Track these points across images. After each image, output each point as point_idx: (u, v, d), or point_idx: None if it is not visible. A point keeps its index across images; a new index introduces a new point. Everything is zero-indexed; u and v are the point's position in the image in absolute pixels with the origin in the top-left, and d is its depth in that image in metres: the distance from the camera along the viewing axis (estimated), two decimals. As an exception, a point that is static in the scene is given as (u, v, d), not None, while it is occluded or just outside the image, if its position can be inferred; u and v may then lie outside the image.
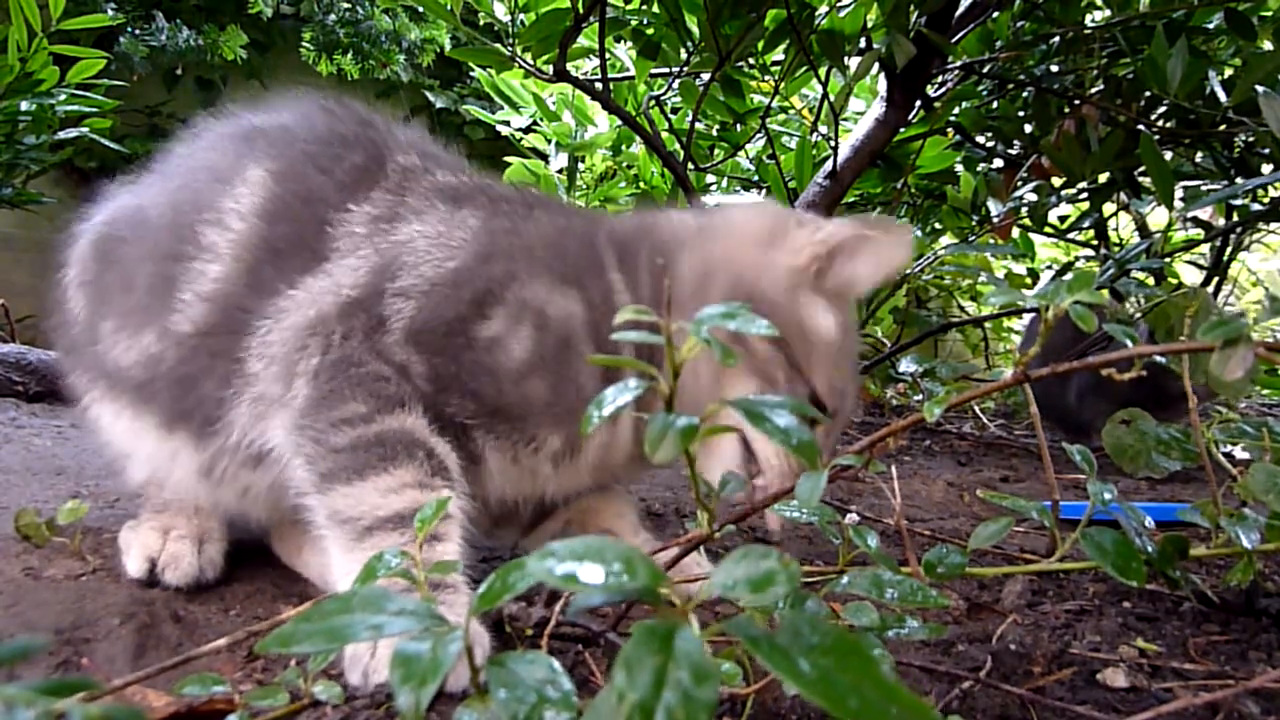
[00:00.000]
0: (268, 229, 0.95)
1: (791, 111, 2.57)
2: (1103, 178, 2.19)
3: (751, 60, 2.13)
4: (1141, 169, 2.12)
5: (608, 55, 2.04)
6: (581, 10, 1.80)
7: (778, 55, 2.13)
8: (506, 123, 2.75)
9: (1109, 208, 2.51)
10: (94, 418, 1.04)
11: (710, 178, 2.61)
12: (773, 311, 0.81)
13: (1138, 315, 2.04)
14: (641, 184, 2.71)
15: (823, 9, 1.97)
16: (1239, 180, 2.02)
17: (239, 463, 0.95)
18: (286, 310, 0.91)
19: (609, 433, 0.95)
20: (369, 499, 0.82)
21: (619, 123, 2.46)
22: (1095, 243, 2.61)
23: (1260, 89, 1.71)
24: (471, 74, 3.87)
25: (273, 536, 1.10)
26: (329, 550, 0.85)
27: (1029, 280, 2.91)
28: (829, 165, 2.10)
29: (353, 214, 0.95)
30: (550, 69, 1.94)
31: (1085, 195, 2.35)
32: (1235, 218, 2.34)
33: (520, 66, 2.04)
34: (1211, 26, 2.00)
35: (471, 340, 0.90)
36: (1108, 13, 2.11)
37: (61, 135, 2.68)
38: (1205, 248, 2.70)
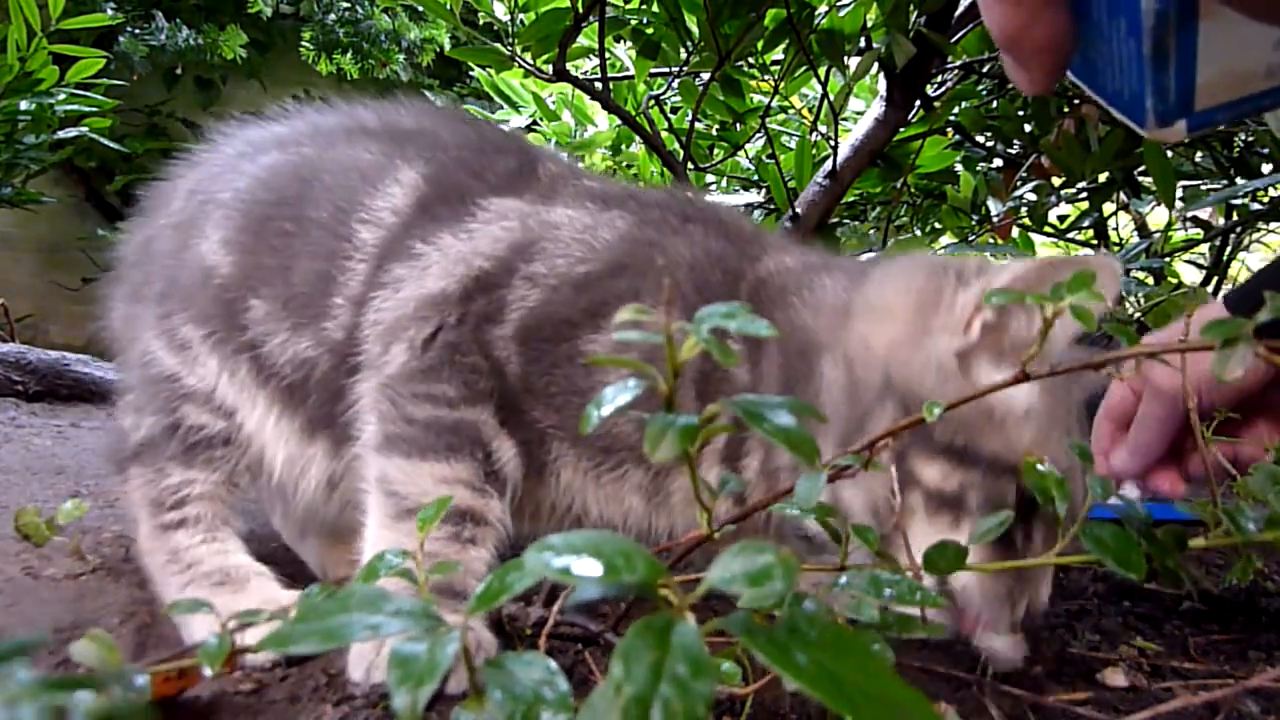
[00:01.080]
0: (428, 222, 0.93)
1: (791, 111, 2.57)
2: (1102, 177, 2.19)
3: (751, 60, 2.13)
4: (1141, 169, 2.12)
5: (608, 55, 2.04)
6: (581, 10, 1.80)
7: (777, 55, 2.13)
8: (506, 122, 2.75)
9: (1109, 207, 2.51)
10: (203, 379, 0.97)
11: (710, 177, 2.61)
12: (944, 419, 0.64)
13: (1137, 315, 2.04)
14: (641, 184, 2.71)
15: (823, 9, 1.97)
16: (1239, 180, 2.02)
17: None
18: (404, 280, 0.89)
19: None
20: (421, 482, 0.82)
21: (619, 122, 2.46)
22: (1095, 242, 2.61)
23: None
24: (471, 74, 3.87)
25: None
26: (367, 513, 0.84)
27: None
28: (829, 165, 2.10)
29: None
30: (550, 69, 1.94)
31: (1085, 195, 2.35)
32: (1235, 217, 2.34)
33: (520, 66, 2.04)
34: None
35: (575, 353, 0.85)
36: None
37: (61, 135, 2.67)
38: (1205, 247, 2.70)
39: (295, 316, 0.93)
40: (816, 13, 1.94)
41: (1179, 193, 2.02)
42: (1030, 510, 0.74)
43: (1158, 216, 2.50)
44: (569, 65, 1.95)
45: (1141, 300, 2.09)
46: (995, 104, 2.36)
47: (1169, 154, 2.02)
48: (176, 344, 0.97)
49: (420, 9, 3.33)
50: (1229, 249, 2.59)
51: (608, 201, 0.95)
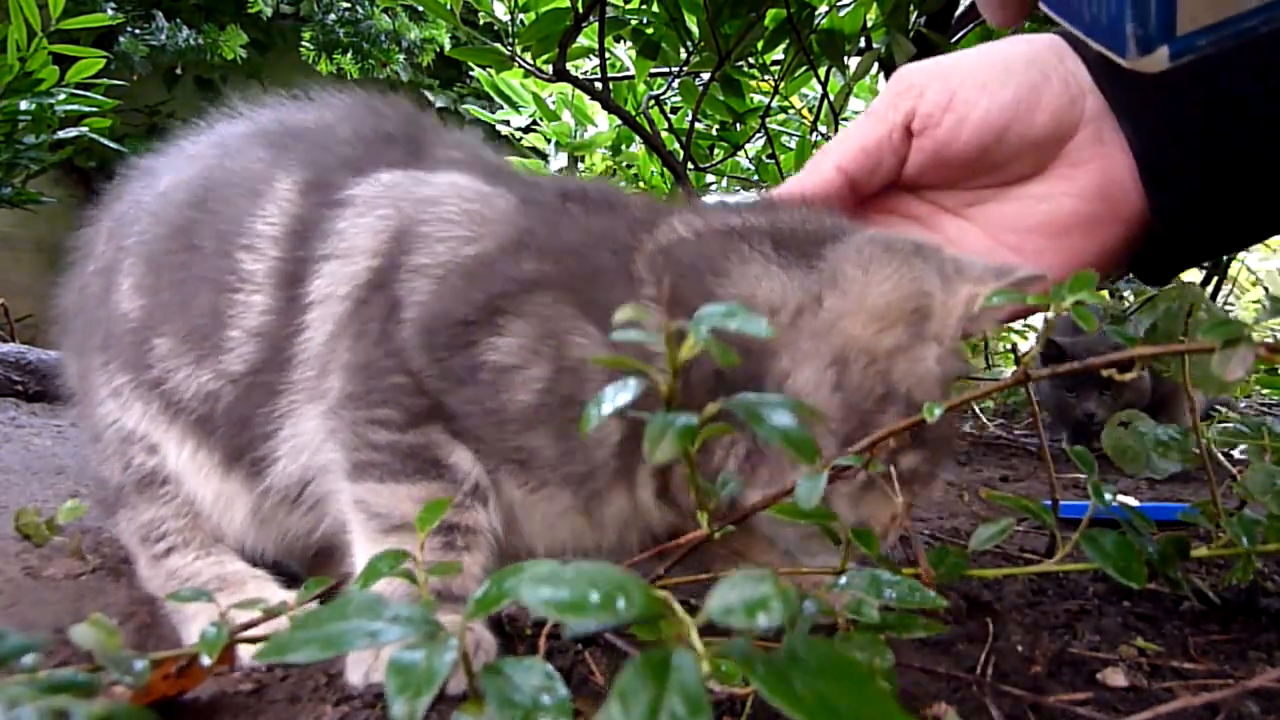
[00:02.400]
0: (297, 246, 0.87)
1: (791, 111, 2.57)
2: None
3: (751, 60, 2.13)
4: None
5: (608, 55, 2.04)
6: (581, 10, 1.80)
7: (777, 55, 2.13)
8: (506, 122, 2.75)
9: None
10: (125, 424, 0.96)
11: (710, 177, 2.61)
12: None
13: (1130, 313, 2.04)
14: (641, 184, 2.71)
15: (823, 9, 1.97)
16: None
17: (281, 502, 0.90)
18: (314, 303, 0.85)
19: (629, 498, 0.79)
20: (400, 505, 0.78)
21: (619, 122, 2.46)
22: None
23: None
24: (471, 74, 3.87)
25: None
26: (352, 534, 0.82)
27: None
28: (829, 165, 2.09)
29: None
30: (550, 69, 1.94)
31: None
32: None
33: (520, 66, 2.04)
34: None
35: (476, 366, 0.76)
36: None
37: (61, 135, 2.67)
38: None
39: (196, 349, 0.90)
40: (816, 13, 1.94)
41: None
42: (915, 438, 0.75)
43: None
44: (569, 65, 1.95)
45: (1130, 297, 2.09)
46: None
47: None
48: (114, 390, 0.97)
49: (420, 9, 3.33)
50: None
51: (494, 177, 0.87)
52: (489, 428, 0.77)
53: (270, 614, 0.70)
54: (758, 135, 2.34)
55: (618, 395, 0.51)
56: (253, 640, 0.70)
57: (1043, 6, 0.55)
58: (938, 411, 0.66)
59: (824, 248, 0.77)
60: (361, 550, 0.81)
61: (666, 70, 2.14)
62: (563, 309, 0.76)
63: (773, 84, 2.12)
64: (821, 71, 1.99)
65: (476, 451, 0.79)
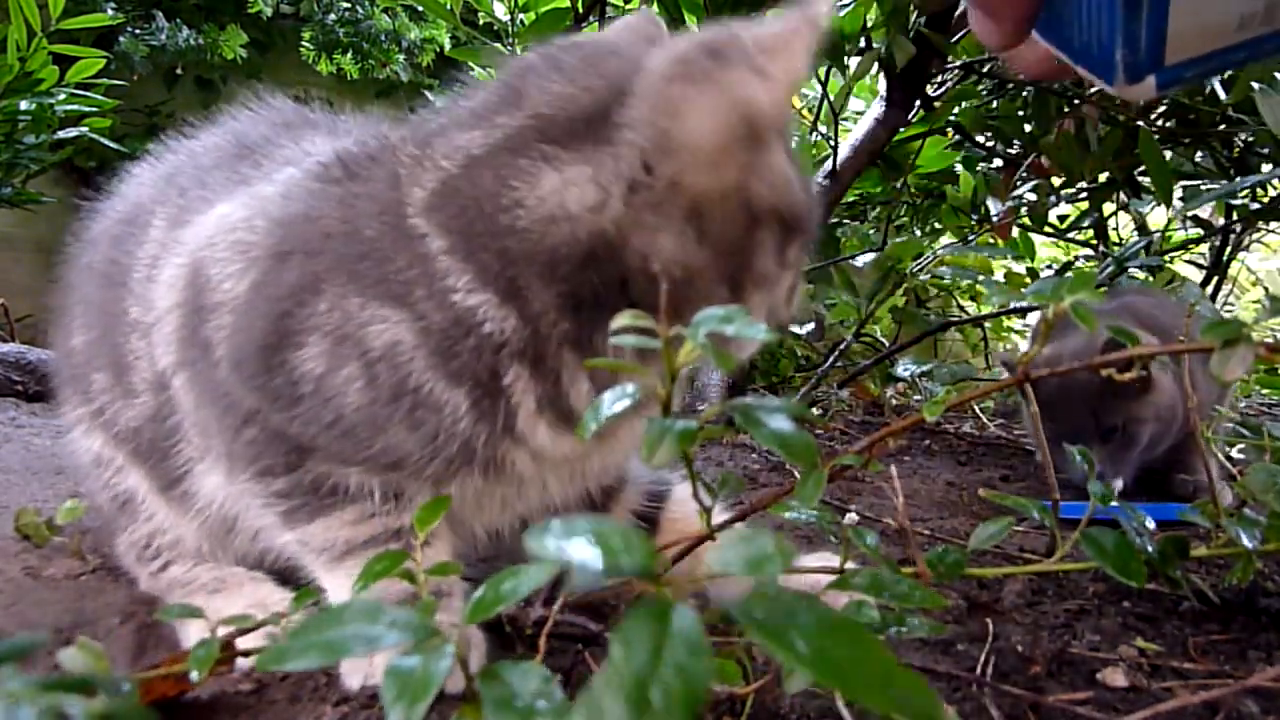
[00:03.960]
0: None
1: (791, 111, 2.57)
2: (1102, 177, 2.19)
3: (751, 60, 2.13)
4: (1141, 168, 2.12)
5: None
6: (581, 10, 1.80)
7: (777, 55, 2.12)
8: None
9: (1108, 207, 2.51)
10: (93, 450, 0.99)
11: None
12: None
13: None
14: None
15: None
16: (1238, 179, 2.02)
17: (223, 531, 0.91)
18: (169, 369, 0.83)
19: (527, 450, 0.74)
20: (339, 532, 0.77)
21: (619, 122, 2.46)
22: (1095, 242, 2.61)
23: (1258, 87, 1.71)
24: (471, 74, 3.86)
25: None
26: (309, 569, 0.81)
27: (1029, 280, 2.91)
28: (829, 165, 2.10)
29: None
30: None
31: (1085, 195, 2.35)
32: (1234, 217, 2.34)
33: (520, 66, 2.04)
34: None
35: (294, 373, 0.71)
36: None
37: (61, 135, 2.67)
38: (1204, 247, 2.70)
39: (120, 386, 0.91)
40: (816, 13, 1.94)
41: (1178, 192, 2.02)
42: (789, 232, 0.70)
43: (1157, 216, 2.50)
44: (569, 65, 1.95)
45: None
46: (995, 104, 2.36)
47: (1169, 154, 2.02)
48: (78, 419, 1.00)
49: (420, 9, 3.33)
50: (1228, 248, 2.59)
51: (269, 179, 0.82)
52: (343, 444, 0.71)
53: (265, 624, 0.70)
54: (758, 135, 2.34)
55: (619, 399, 0.51)
56: (245, 654, 0.70)
57: (1034, 34, 0.56)
58: (937, 412, 0.66)
59: (614, 112, 0.66)
60: (326, 580, 0.80)
61: (666, 70, 2.13)
62: (348, 303, 0.69)
63: (773, 84, 2.12)
64: (821, 71, 1.99)
65: (359, 471, 0.74)
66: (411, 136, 0.74)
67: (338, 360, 0.69)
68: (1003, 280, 2.85)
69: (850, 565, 0.69)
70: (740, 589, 0.37)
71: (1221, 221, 2.47)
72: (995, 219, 2.33)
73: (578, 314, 0.68)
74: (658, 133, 0.65)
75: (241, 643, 0.71)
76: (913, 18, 1.86)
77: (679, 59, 0.65)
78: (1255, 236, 2.86)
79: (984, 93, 2.35)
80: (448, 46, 4.10)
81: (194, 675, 0.60)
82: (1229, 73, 2.01)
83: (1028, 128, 2.25)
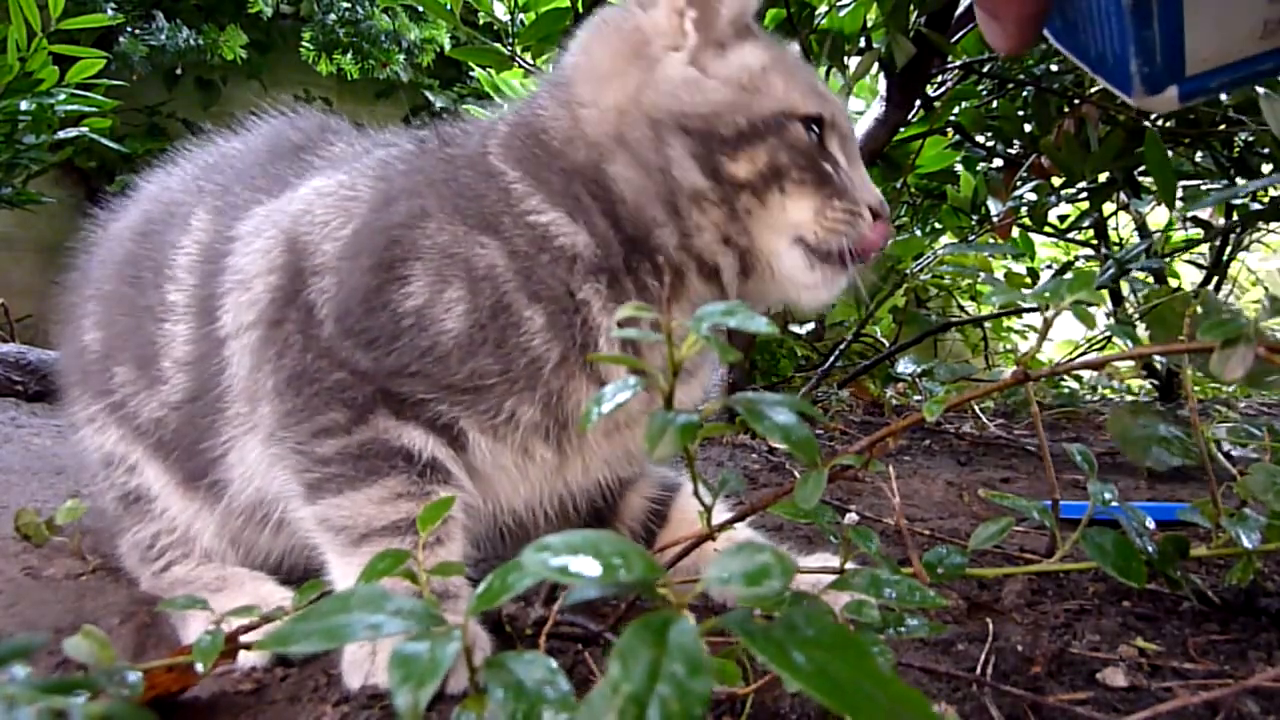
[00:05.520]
0: (207, 269, 0.90)
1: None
2: (1102, 177, 2.19)
3: (751, 60, 2.13)
4: (1141, 168, 2.12)
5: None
6: (581, 10, 1.80)
7: (778, 55, 2.12)
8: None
9: (1109, 207, 2.51)
10: (104, 449, 1.00)
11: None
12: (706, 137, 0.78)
13: (1136, 315, 2.04)
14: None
15: (823, 9, 1.97)
16: (1239, 180, 2.02)
17: (245, 522, 0.92)
18: (230, 333, 0.86)
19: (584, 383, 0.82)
20: (363, 510, 0.78)
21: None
22: (1095, 242, 2.61)
23: (1259, 88, 1.71)
24: (471, 74, 3.87)
25: None
26: (324, 554, 0.82)
27: (1029, 280, 2.91)
28: (829, 165, 2.09)
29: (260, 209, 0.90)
30: (550, 69, 1.94)
31: (1085, 195, 2.35)
32: (1235, 217, 2.34)
33: (520, 66, 2.04)
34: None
35: (398, 313, 0.78)
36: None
37: (61, 135, 2.67)
38: (1205, 247, 2.70)
39: (146, 376, 0.94)
40: (816, 13, 1.94)
41: (1179, 193, 2.02)
42: (820, 134, 0.83)
43: (1158, 216, 2.50)
44: (569, 65, 1.95)
45: (1139, 300, 2.09)
46: (995, 104, 2.36)
47: (1169, 154, 2.02)
48: (90, 417, 1.01)
49: (420, 9, 3.33)
50: (1229, 249, 2.59)
51: (352, 159, 0.92)
52: (435, 370, 0.78)
53: (267, 618, 0.70)
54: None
55: (620, 392, 0.51)
56: (247, 647, 0.70)
57: (1049, 36, 0.54)
58: (937, 412, 0.66)
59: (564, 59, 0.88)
60: (336, 567, 0.81)
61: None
62: (453, 229, 0.79)
63: (773, 84, 2.12)
64: (821, 71, 1.99)
65: (433, 417, 0.80)
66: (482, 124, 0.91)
67: (441, 286, 0.78)
68: (1002, 280, 2.85)
69: (850, 565, 0.69)
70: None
71: (1221, 222, 2.46)
72: (995, 219, 2.33)
73: (622, 238, 0.81)
74: (579, 65, 0.85)
75: (244, 638, 0.70)
76: (913, 17, 1.86)
77: (591, 18, 0.86)
78: (1255, 237, 2.86)
79: (984, 93, 2.35)
80: (448, 46, 4.10)
81: (199, 666, 0.60)
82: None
83: (1028, 128, 2.25)
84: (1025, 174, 2.31)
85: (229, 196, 0.95)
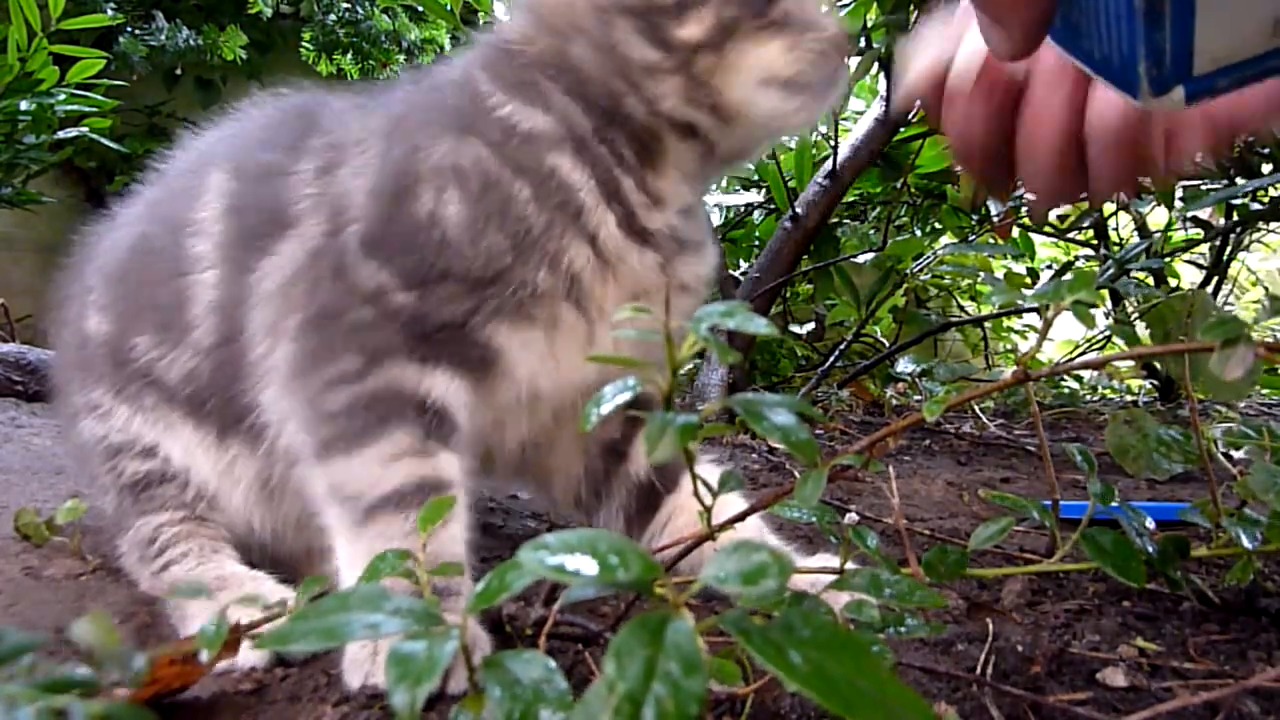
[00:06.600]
0: (238, 221, 0.96)
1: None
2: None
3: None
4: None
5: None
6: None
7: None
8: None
9: (1109, 207, 2.51)
10: (106, 437, 1.02)
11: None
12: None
13: (1136, 316, 2.04)
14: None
15: (822, 9, 1.97)
16: (1239, 180, 2.02)
17: (286, 467, 0.93)
18: (265, 276, 0.91)
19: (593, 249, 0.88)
20: (368, 471, 0.80)
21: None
22: (1095, 242, 2.61)
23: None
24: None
25: None
26: (333, 533, 0.83)
27: (1029, 280, 2.91)
28: (829, 165, 2.10)
29: (300, 174, 0.94)
30: None
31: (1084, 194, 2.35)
32: (1235, 217, 2.34)
33: (520, 66, 2.04)
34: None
35: (415, 222, 0.85)
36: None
37: (61, 135, 2.67)
38: (1205, 247, 2.70)
39: (172, 335, 0.97)
40: (816, 13, 1.94)
41: (1179, 193, 2.02)
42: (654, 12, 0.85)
43: (1158, 216, 2.50)
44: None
45: (1139, 300, 2.09)
46: (995, 104, 2.36)
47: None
48: (93, 410, 1.02)
49: (420, 9, 3.33)
50: (1229, 249, 2.59)
51: (370, 119, 0.97)
52: (455, 263, 0.84)
53: (269, 611, 0.70)
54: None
55: (620, 393, 0.51)
56: (253, 635, 0.70)
57: (1052, 43, 0.53)
58: (937, 412, 0.66)
59: None
60: (343, 550, 0.82)
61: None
62: (444, 144, 0.88)
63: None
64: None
65: (463, 341, 0.85)
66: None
67: (443, 187, 0.86)
68: (1002, 280, 2.85)
69: (850, 565, 0.69)
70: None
71: (1221, 222, 2.46)
72: (995, 219, 2.33)
73: (592, 110, 0.88)
74: None
75: (245, 637, 0.70)
76: (913, 18, 1.86)
77: None
78: (1255, 237, 2.86)
79: (984, 93, 2.35)
80: (448, 46, 4.10)
81: (203, 655, 0.60)
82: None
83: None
84: (1025, 174, 2.30)
85: (245, 158, 1.00)
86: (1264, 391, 3.14)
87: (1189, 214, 2.19)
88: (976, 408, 2.49)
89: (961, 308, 3.29)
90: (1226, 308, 3.30)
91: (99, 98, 2.60)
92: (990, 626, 0.84)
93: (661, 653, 0.32)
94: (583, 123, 0.88)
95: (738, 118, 0.88)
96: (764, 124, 0.90)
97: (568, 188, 0.86)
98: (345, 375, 0.83)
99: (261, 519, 1.00)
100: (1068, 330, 3.24)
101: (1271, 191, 2.18)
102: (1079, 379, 3.25)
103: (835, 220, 2.60)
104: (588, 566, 0.37)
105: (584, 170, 0.87)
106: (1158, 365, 2.62)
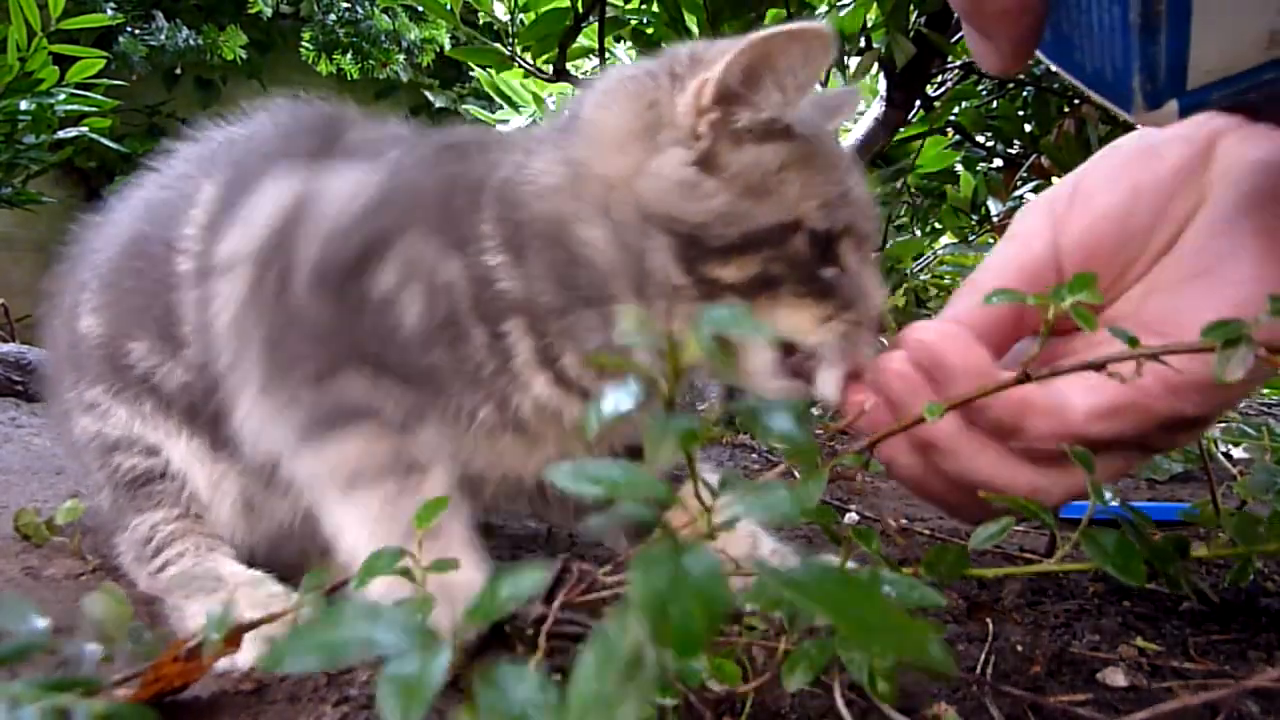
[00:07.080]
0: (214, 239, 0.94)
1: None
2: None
3: (751, 60, 2.13)
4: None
5: (608, 55, 2.04)
6: (581, 10, 1.80)
7: (777, 55, 2.13)
8: (506, 122, 2.75)
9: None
10: (102, 433, 1.01)
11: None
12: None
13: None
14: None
15: (822, 9, 1.97)
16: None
17: (263, 486, 0.94)
18: (219, 296, 0.90)
19: (527, 396, 0.83)
20: (348, 456, 0.81)
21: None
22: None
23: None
24: (471, 74, 3.87)
25: None
26: (320, 505, 0.83)
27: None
28: (829, 165, 2.09)
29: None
30: (550, 69, 1.94)
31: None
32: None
33: (520, 66, 2.04)
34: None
35: (366, 294, 0.82)
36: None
37: (61, 135, 2.67)
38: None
39: (168, 346, 0.97)
40: (817, 13, 1.94)
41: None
42: (828, 244, 0.75)
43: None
44: (569, 65, 1.95)
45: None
46: (995, 104, 2.36)
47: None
48: (88, 407, 1.01)
49: (420, 9, 3.33)
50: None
51: (380, 153, 0.93)
52: (392, 351, 0.82)
53: (273, 613, 0.70)
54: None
55: (621, 398, 0.51)
56: (253, 626, 0.70)
57: (1042, 56, 0.52)
58: (938, 413, 0.66)
59: (574, 113, 0.83)
60: (332, 517, 0.82)
61: (666, 70, 2.13)
62: (430, 243, 0.83)
63: (773, 84, 2.12)
64: (821, 72, 1.99)
65: (396, 389, 0.83)
66: (502, 141, 0.93)
67: (407, 282, 0.82)
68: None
69: (850, 565, 0.69)
70: (745, 550, 0.39)
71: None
72: (995, 219, 2.33)
73: (562, 289, 0.80)
74: (588, 122, 0.79)
75: (244, 637, 0.70)
76: (913, 17, 1.86)
77: (622, 71, 0.83)
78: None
79: (984, 93, 2.35)
80: (448, 46, 4.10)
81: (212, 637, 0.60)
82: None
83: (1028, 128, 2.25)
84: (1025, 174, 2.31)
85: (239, 171, 0.98)
86: (1264, 391, 3.14)
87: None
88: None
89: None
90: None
91: (99, 98, 2.61)
92: (990, 626, 0.84)
93: (683, 568, 0.33)
94: (556, 305, 0.80)
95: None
96: (746, 375, 0.78)
97: (513, 355, 0.82)
98: (304, 381, 0.83)
99: (246, 532, 0.99)
100: (1067, 330, 3.23)
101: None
102: (1079, 379, 3.24)
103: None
104: (594, 491, 0.39)
105: (535, 346, 0.81)
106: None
